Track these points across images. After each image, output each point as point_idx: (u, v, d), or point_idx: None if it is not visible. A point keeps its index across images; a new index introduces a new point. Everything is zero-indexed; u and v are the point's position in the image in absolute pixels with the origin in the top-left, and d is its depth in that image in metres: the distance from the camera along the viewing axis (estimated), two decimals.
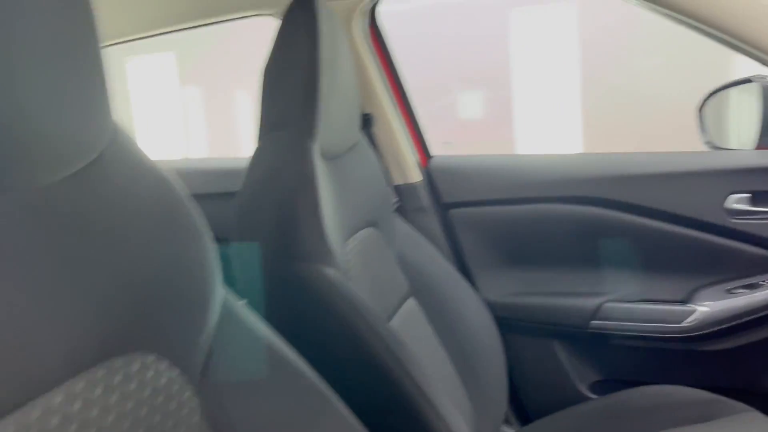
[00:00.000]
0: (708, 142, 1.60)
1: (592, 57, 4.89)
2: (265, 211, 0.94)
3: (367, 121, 1.48)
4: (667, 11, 1.23)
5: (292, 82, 0.98)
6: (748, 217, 1.33)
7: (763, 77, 1.43)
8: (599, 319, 1.40)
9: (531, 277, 1.48)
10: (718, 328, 1.33)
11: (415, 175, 1.53)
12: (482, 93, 5.33)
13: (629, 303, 1.40)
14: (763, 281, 1.33)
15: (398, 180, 1.52)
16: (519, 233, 1.49)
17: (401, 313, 1.18)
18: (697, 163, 1.37)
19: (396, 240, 1.28)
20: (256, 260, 0.91)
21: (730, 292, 1.35)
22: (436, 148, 1.60)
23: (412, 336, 1.17)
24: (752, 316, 1.32)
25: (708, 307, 1.34)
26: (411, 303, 1.23)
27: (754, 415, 1.12)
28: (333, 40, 1.02)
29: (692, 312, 1.35)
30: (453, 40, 5.15)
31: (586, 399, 1.45)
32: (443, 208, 1.54)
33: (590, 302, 1.41)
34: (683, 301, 1.38)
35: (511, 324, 1.45)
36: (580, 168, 1.46)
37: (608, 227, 1.41)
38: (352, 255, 1.04)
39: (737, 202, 1.33)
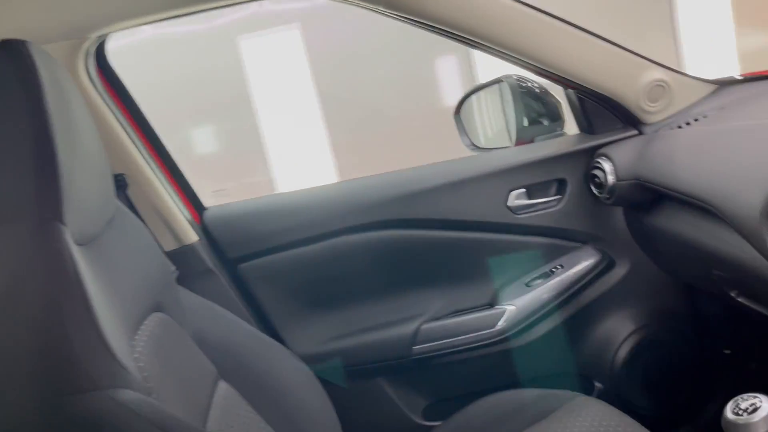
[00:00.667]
0: (470, 146, 1.66)
1: (325, 75, 4.99)
2: (14, 337, 0.67)
3: (120, 184, 1.23)
4: (413, 18, 1.22)
5: (15, 155, 0.73)
6: (528, 210, 1.38)
7: (510, 76, 1.51)
8: (420, 344, 1.34)
9: (341, 318, 1.37)
10: (529, 321, 1.36)
11: (190, 235, 1.32)
12: (229, 125, 5.11)
13: (443, 319, 1.37)
14: (554, 268, 1.40)
15: (171, 245, 1.30)
16: (317, 275, 1.37)
17: (216, 402, 0.98)
18: (475, 168, 1.39)
19: (187, 317, 1.07)
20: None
21: (528, 285, 1.40)
22: (207, 199, 1.40)
23: (236, 425, 0.98)
24: (555, 302, 1.37)
25: (515, 305, 1.37)
26: (223, 387, 1.03)
27: (585, 399, 1.15)
28: (60, 93, 0.78)
29: (503, 313, 1.36)
30: (185, 73, 4.86)
31: (424, 427, 1.39)
32: (230, 264, 1.36)
33: (407, 328, 1.35)
34: (491, 305, 1.39)
35: (332, 373, 1.33)
36: (365, 193, 1.38)
37: (405, 247, 1.37)
38: (144, 356, 0.82)
39: (517, 198, 1.37)
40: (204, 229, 1.36)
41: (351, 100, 5.02)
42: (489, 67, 1.61)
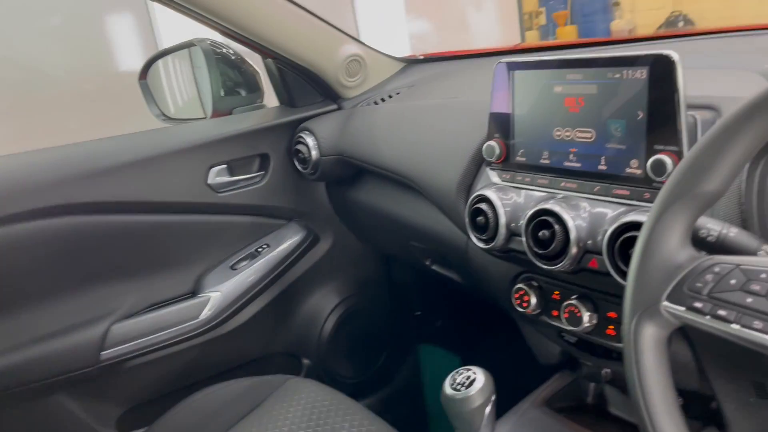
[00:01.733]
0: (160, 115, 1.48)
1: None
2: None
3: None
4: None
5: None
6: (230, 188, 1.28)
7: (203, 40, 1.37)
8: (110, 347, 1.15)
9: (11, 328, 1.10)
10: (236, 306, 1.28)
11: None
12: None
13: (138, 316, 1.19)
14: (260, 248, 1.33)
15: None
16: None
17: None
18: (169, 143, 1.22)
19: None
20: None
21: (233, 268, 1.30)
22: None
23: None
24: (262, 284, 1.31)
25: (220, 291, 1.27)
26: None
27: (296, 382, 1.12)
28: None
29: (207, 301, 1.25)
30: None
31: None
32: None
33: (94, 332, 1.14)
34: (194, 293, 1.26)
35: (4, 396, 1.06)
36: (32, 172, 1.11)
37: (87, 236, 1.14)
38: None
39: (218, 175, 1.26)
40: None
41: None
42: (175, 27, 1.44)
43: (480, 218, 0.84)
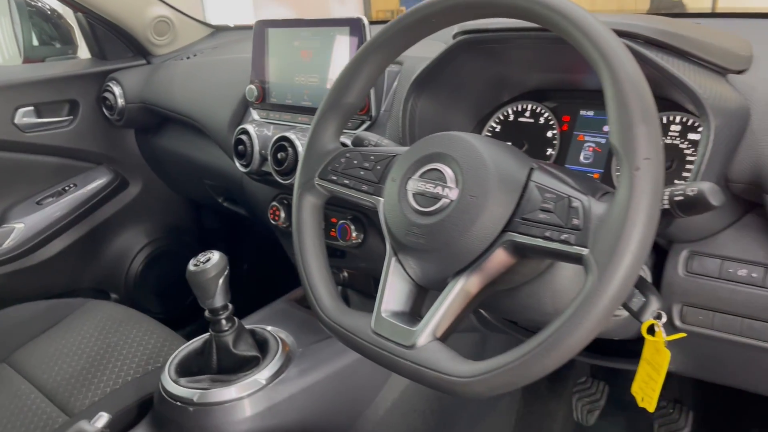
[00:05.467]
0: None
1: None
2: None
3: None
4: None
5: None
6: (37, 129, 1.38)
7: None
8: None
9: None
10: (38, 240, 1.38)
11: None
12: None
13: None
14: (67, 187, 1.44)
15: None
16: None
17: None
18: None
19: None
20: None
21: (39, 203, 1.41)
22: None
23: None
24: (68, 219, 1.42)
25: (24, 223, 1.36)
26: None
27: (96, 303, 1.24)
28: None
29: (11, 232, 1.34)
30: None
31: None
32: None
33: None
34: None
35: None
36: None
37: None
38: None
39: (25, 116, 1.35)
40: None
41: None
42: None
43: (241, 147, 1.04)
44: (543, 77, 0.87)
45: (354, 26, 0.89)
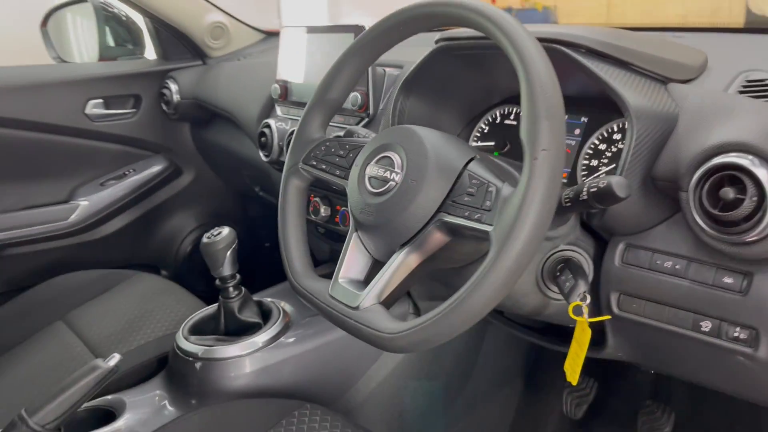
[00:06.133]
0: (56, 57, 1.75)
1: None
2: None
3: None
4: None
5: None
6: (105, 119, 1.57)
7: None
8: None
9: None
10: (99, 217, 1.57)
11: None
12: None
13: (15, 212, 1.47)
14: (127, 171, 1.62)
15: None
16: None
17: None
18: (55, 75, 1.51)
19: None
20: None
21: (103, 185, 1.59)
22: None
23: None
24: (127, 200, 1.60)
25: (88, 201, 1.55)
26: None
27: (143, 275, 1.41)
28: None
29: (75, 208, 1.53)
30: None
31: None
32: None
33: None
34: (66, 201, 1.55)
35: None
36: None
37: None
38: None
39: (94, 107, 1.55)
40: None
41: None
42: None
43: (263, 139, 1.17)
44: None
45: (357, 33, 1.00)
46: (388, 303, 0.70)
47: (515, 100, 0.97)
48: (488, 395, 1.31)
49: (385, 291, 0.69)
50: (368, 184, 0.72)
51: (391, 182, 0.69)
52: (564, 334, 0.90)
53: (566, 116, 0.92)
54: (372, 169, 0.72)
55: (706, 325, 0.69)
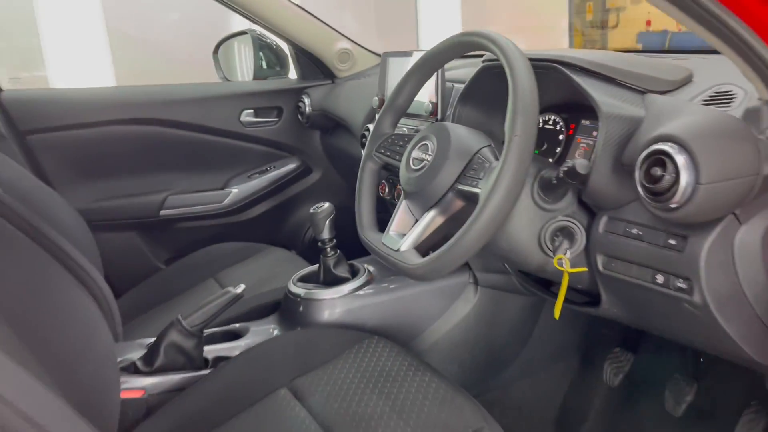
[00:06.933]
0: (223, 78, 2.22)
1: (115, 13, 5.09)
2: None
3: None
4: None
5: None
6: (254, 126, 1.99)
7: (253, 30, 2.09)
8: (166, 209, 1.89)
9: (110, 185, 1.86)
10: (245, 202, 1.98)
11: None
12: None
13: (186, 194, 1.92)
14: (269, 167, 2.03)
15: None
16: (93, 151, 1.84)
17: None
18: (219, 91, 1.96)
19: None
20: None
21: (250, 177, 2.01)
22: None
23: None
24: (267, 190, 2.01)
25: (237, 189, 1.98)
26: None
27: (277, 250, 1.78)
28: None
29: (229, 194, 1.96)
30: None
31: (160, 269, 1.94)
32: (21, 135, 1.76)
33: (157, 197, 1.88)
34: (222, 188, 1.98)
35: (100, 225, 1.81)
36: (135, 96, 1.88)
37: (162, 140, 1.89)
38: None
39: (247, 115, 1.97)
40: (0, 105, 1.75)
41: (139, 39, 5.18)
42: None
43: (364, 140, 1.50)
44: (562, 95, 1.18)
45: None
46: (420, 248, 0.99)
47: (552, 109, 1.21)
48: (544, 365, 1.52)
49: (418, 240, 0.98)
50: (411, 164, 1.01)
51: (425, 161, 0.98)
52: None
53: (587, 122, 1.15)
54: (414, 152, 1.01)
55: (660, 278, 0.89)
